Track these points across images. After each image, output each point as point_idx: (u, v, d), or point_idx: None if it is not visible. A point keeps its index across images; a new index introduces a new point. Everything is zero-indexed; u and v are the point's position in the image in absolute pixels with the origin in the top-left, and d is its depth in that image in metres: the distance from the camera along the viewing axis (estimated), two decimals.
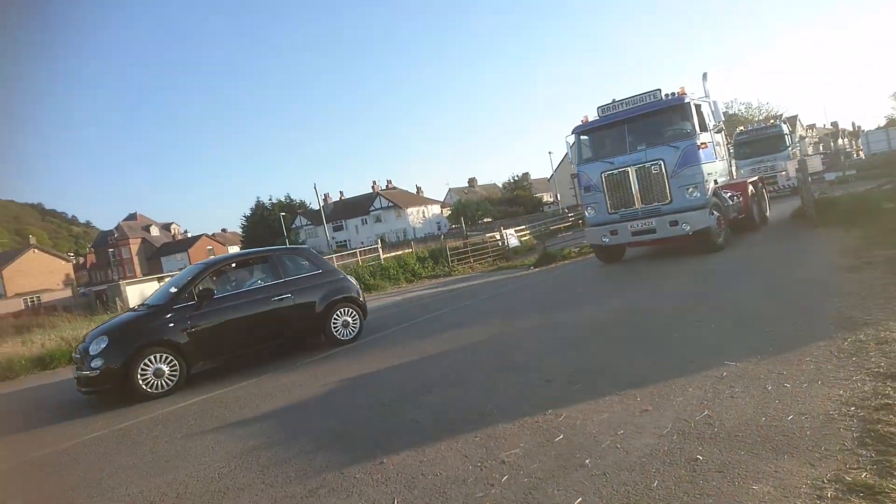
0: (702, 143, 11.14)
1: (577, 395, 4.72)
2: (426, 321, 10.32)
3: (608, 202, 12.10)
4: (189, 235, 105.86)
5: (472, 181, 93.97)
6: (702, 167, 11.02)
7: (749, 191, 13.61)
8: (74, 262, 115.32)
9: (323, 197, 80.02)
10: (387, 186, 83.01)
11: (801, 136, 47.57)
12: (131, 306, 29.16)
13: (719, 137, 12.40)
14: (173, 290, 8.43)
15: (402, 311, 12.56)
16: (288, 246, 12.63)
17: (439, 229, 69.95)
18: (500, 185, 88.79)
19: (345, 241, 75.35)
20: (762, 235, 13.39)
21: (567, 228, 34.02)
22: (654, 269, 11.56)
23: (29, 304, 53.65)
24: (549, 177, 66.30)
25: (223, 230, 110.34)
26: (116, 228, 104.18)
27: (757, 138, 24.67)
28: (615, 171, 11.87)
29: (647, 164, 11.40)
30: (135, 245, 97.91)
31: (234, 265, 9.22)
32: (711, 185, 11.28)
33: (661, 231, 11.34)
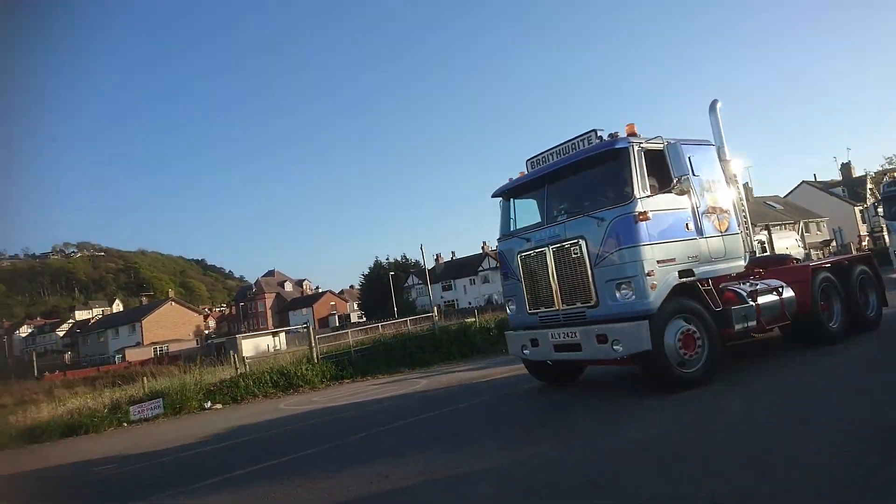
0: (640, 214, 7.09)
1: None
2: (330, 450, 7.67)
3: (526, 296, 8.44)
4: (320, 290, 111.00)
5: None
6: (641, 251, 7.04)
7: (817, 279, 8.84)
8: (220, 312, 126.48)
9: (435, 257, 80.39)
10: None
11: None
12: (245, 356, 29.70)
13: (712, 198, 8.04)
14: None
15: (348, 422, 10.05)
16: None
17: None
18: None
19: (453, 300, 74.40)
20: (845, 355, 8.21)
21: None
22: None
23: (158, 352, 57.57)
24: None
25: (351, 286, 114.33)
26: (255, 284, 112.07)
27: None
28: (532, 253, 8.27)
29: (567, 244, 7.73)
30: (269, 299, 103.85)
31: None
32: (668, 279, 7.17)
33: (587, 348, 7.47)
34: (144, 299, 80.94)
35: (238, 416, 12.51)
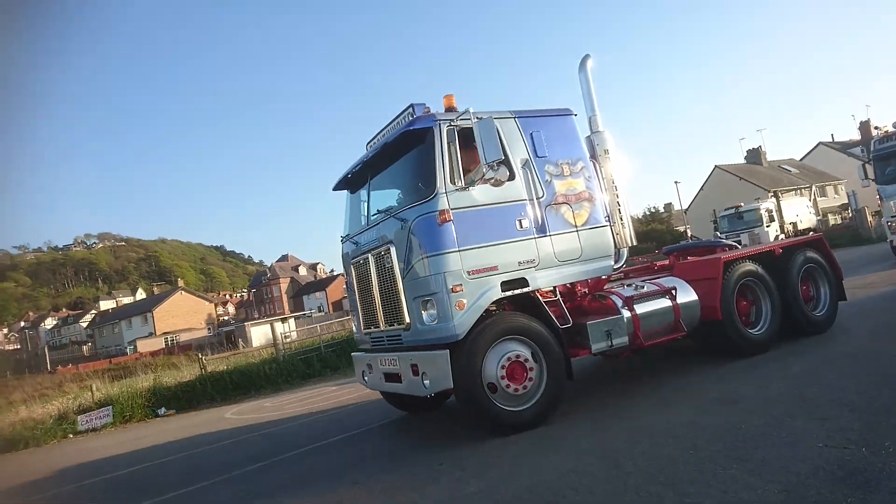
0: (441, 213, 5.73)
1: None
2: None
3: (359, 310, 7.04)
4: (334, 273, 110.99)
5: None
6: (443, 260, 5.67)
7: (733, 276, 7.20)
8: (240, 298, 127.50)
9: None
10: None
11: None
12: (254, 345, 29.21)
13: (565, 185, 6.49)
14: None
15: None
16: None
17: None
18: (640, 217, 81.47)
19: None
20: (781, 364, 6.63)
21: None
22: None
23: (169, 342, 57.90)
24: (685, 209, 58.86)
25: None
26: (269, 269, 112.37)
27: None
28: (360, 260, 6.84)
29: (382, 251, 6.34)
30: (284, 284, 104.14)
31: None
32: (485, 294, 5.77)
33: (405, 380, 6.12)
34: (156, 289, 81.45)
35: (173, 427, 11.81)
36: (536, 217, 6.24)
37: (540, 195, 6.32)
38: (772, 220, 29.85)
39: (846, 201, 50.94)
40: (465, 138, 5.94)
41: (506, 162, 6.08)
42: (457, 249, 5.72)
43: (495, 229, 6.00)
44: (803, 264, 7.99)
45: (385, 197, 7.01)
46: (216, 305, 75.05)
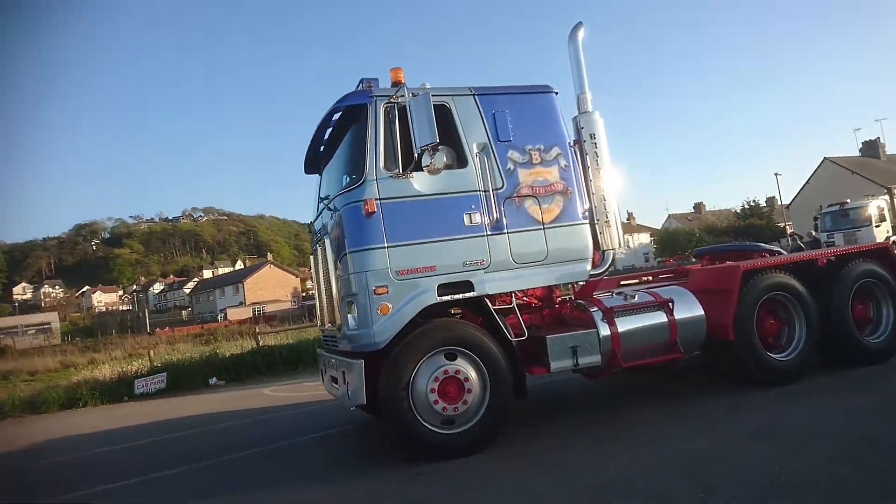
0: (367, 203, 5.03)
1: None
2: None
3: (317, 304, 6.64)
4: None
5: (698, 206, 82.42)
6: (366, 258, 5.04)
7: (753, 289, 6.03)
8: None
9: None
10: None
11: None
12: None
13: (533, 175, 5.59)
14: None
15: None
16: None
17: (647, 261, 62.43)
18: (738, 212, 76.29)
19: None
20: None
21: None
22: None
23: (255, 312, 60.95)
24: (787, 204, 54.08)
25: None
26: None
27: None
28: (315, 249, 6.29)
29: (325, 242, 5.80)
30: None
31: None
32: (416, 298, 5.07)
33: (341, 389, 5.51)
34: (248, 261, 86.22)
35: (210, 399, 12.06)
36: (491, 211, 5.45)
37: (498, 186, 5.53)
38: (882, 219, 26.69)
39: None
40: (395, 113, 5.29)
41: (455, 147, 5.41)
42: (384, 245, 5.11)
43: (436, 224, 5.29)
44: (858, 279, 6.59)
45: (339, 182, 6.53)
46: (304, 280, 78.92)
